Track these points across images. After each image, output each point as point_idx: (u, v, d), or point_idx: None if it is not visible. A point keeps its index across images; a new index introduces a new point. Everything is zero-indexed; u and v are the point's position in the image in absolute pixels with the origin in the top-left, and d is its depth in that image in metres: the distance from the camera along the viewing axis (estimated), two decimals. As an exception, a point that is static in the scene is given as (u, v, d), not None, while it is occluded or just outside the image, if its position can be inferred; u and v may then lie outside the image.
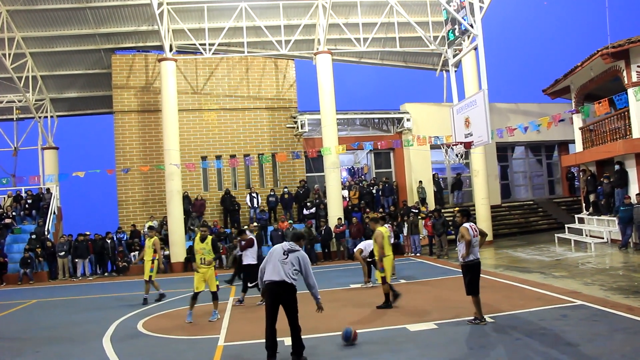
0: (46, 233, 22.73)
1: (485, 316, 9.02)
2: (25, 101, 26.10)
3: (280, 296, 7.30)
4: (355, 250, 14.60)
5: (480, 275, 9.17)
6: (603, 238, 18.72)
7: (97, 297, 15.80)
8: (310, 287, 7.54)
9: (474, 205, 23.67)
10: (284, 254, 7.43)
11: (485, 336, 8.06)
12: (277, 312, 7.32)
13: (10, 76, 23.92)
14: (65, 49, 24.89)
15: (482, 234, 9.35)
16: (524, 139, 26.90)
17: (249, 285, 12.50)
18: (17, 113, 28.02)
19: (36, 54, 25.04)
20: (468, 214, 9.62)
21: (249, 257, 12.58)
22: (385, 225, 13.97)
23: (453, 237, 20.80)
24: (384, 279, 11.13)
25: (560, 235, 20.53)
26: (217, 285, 10.98)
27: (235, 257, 16.28)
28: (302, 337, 7.39)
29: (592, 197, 20.66)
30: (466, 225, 9.12)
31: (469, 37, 20.52)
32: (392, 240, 14.89)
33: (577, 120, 21.89)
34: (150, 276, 13.72)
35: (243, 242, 12.83)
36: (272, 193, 23.92)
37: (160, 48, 23.24)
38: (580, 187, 23.70)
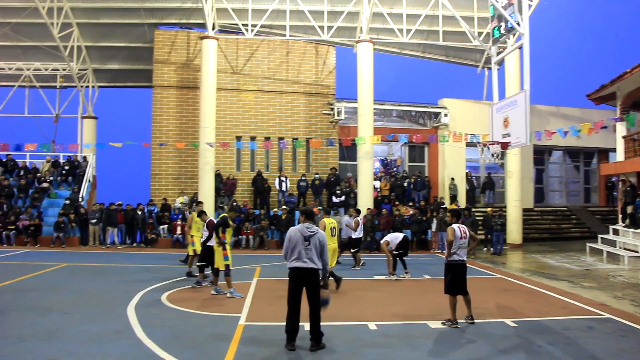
0: (80, 200, 23.26)
1: (505, 320, 8.92)
2: (69, 70, 26.65)
3: (305, 281, 7.38)
4: (381, 241, 14.54)
5: (467, 277, 9.01)
6: (638, 252, 18.23)
7: (125, 266, 16.11)
8: (324, 264, 7.58)
9: (505, 207, 23.33)
10: (305, 241, 7.44)
11: (506, 340, 7.95)
12: (301, 297, 7.39)
13: (56, 45, 24.41)
14: (111, 21, 25.29)
15: (473, 238, 9.24)
16: (562, 143, 26.40)
17: (199, 264, 12.54)
18: (60, 81, 28.73)
19: (82, 25, 25.47)
20: (458, 215, 9.43)
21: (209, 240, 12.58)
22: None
23: (482, 237, 20.61)
24: None
25: (593, 245, 20.08)
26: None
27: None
28: (321, 324, 7.42)
29: (629, 209, 20.10)
30: (454, 226, 8.97)
31: (514, 35, 20.12)
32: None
33: (621, 129, 21.31)
34: (194, 250, 13.62)
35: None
36: (303, 178, 23.95)
37: (202, 26, 23.44)
38: (618, 198, 23.12)
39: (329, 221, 12.48)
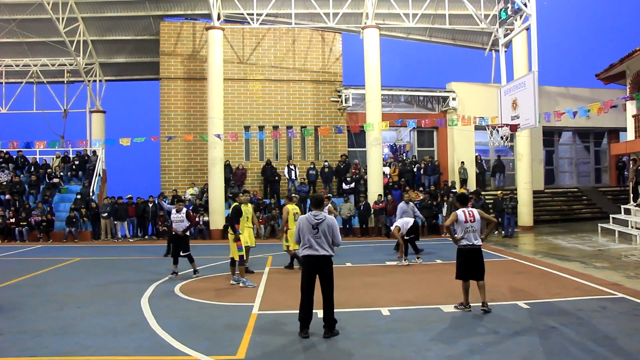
0: (91, 194, 23.40)
1: (518, 302, 8.93)
2: (76, 65, 26.73)
3: (317, 267, 7.42)
4: (392, 227, 14.58)
5: (484, 260, 8.78)
6: (649, 231, 18.14)
7: (137, 259, 16.24)
8: (335, 245, 7.63)
9: (515, 189, 23.23)
10: (314, 229, 7.46)
11: (519, 322, 7.95)
12: (314, 284, 7.43)
13: (62, 40, 24.48)
14: (116, 15, 25.32)
15: (488, 221, 9.07)
16: (572, 124, 26.20)
17: (182, 254, 12.45)
18: (67, 76, 28.85)
19: (88, 19, 25.50)
20: (464, 200, 9.14)
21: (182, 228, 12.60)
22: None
23: (495, 220, 20.56)
24: (288, 246, 13.16)
25: (604, 225, 19.96)
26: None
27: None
28: (334, 310, 7.47)
29: (640, 188, 19.99)
30: (458, 211, 8.77)
31: (521, 16, 19.94)
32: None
33: (631, 108, 21.09)
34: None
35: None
36: (312, 166, 23.96)
37: (208, 16, 23.38)
38: (629, 177, 22.96)
39: (292, 207, 13.37)
